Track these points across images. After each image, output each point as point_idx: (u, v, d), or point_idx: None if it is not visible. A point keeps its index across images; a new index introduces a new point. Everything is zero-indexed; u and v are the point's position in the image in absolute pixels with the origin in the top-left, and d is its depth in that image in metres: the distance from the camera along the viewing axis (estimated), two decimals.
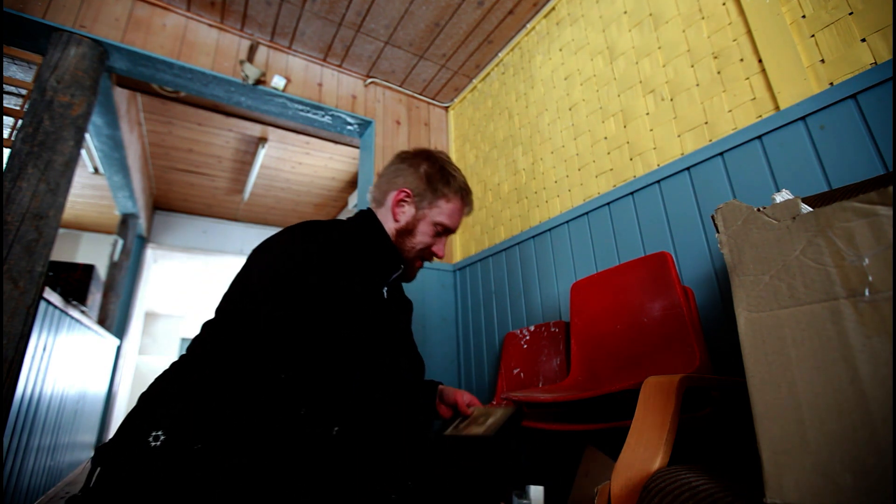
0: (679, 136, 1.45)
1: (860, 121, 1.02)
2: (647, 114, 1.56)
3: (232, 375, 0.66)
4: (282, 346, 0.66)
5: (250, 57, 2.23)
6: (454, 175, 0.97)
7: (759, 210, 0.49)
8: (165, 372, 0.72)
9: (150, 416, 0.64)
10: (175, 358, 0.79)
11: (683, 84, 1.46)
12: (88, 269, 3.23)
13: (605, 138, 1.72)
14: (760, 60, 1.25)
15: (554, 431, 1.14)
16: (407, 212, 0.94)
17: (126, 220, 3.93)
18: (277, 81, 2.26)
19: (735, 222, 0.51)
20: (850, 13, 1.07)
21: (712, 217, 0.54)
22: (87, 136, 2.76)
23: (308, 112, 2.43)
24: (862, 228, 0.41)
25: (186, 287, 7.46)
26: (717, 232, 0.53)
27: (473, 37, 2.34)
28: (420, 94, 2.82)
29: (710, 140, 1.35)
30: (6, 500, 1.63)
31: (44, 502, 2.08)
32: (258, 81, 2.20)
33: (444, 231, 0.97)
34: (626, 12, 1.71)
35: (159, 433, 0.61)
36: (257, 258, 0.77)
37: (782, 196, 0.55)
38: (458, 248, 2.58)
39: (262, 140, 3.59)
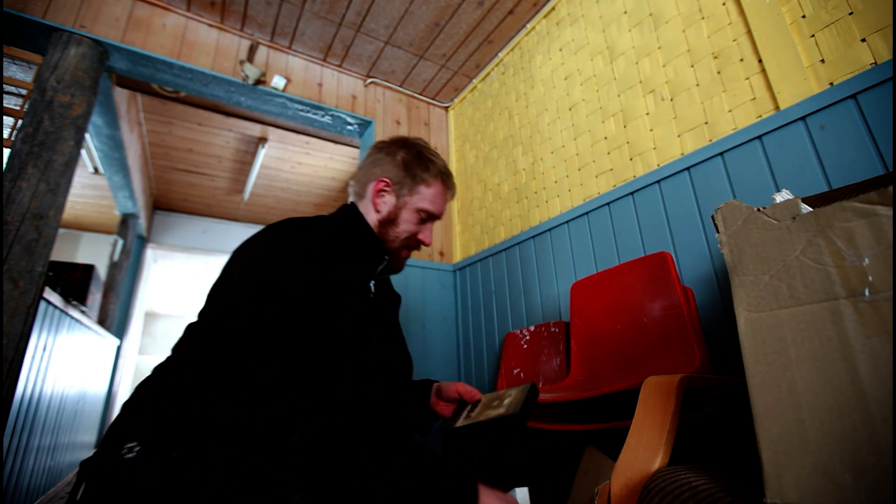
0: (679, 136, 1.45)
1: (860, 121, 1.02)
2: (647, 114, 1.56)
3: (211, 378, 0.64)
4: (264, 345, 0.64)
5: (250, 57, 2.23)
6: (432, 160, 0.95)
7: (759, 210, 0.49)
8: (147, 378, 0.70)
9: (125, 426, 0.62)
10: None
11: (683, 84, 1.46)
12: (88, 269, 3.23)
13: (605, 138, 1.72)
14: (760, 60, 1.25)
15: (554, 431, 1.14)
16: (388, 201, 0.93)
17: (126, 220, 3.93)
18: (277, 81, 2.26)
19: (735, 222, 0.51)
20: (850, 13, 1.07)
21: (712, 217, 0.54)
22: (87, 136, 2.76)
23: (308, 112, 2.43)
24: (862, 228, 0.41)
25: (186, 287, 7.46)
26: (717, 232, 0.53)
27: (473, 37, 2.34)
28: (420, 94, 2.82)
29: (710, 140, 1.35)
30: (6, 500, 1.63)
31: (44, 502, 2.08)
32: (258, 81, 2.20)
33: (429, 217, 0.95)
34: (626, 12, 1.71)
35: (133, 444, 0.59)
36: (238, 257, 0.75)
37: (782, 196, 0.55)
38: (458, 248, 2.58)
39: (262, 140, 3.59)
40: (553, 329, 1.66)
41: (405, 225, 0.92)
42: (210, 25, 2.19)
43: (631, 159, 1.60)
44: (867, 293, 0.39)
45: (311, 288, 0.69)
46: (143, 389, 0.68)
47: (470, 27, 2.27)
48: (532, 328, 1.75)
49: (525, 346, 1.73)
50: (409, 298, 2.33)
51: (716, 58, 1.37)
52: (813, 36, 1.14)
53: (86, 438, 3.12)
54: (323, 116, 2.48)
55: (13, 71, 2.37)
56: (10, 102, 2.28)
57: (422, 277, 2.41)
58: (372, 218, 0.93)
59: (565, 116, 1.94)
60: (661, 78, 1.53)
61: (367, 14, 2.18)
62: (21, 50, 1.88)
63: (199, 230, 5.01)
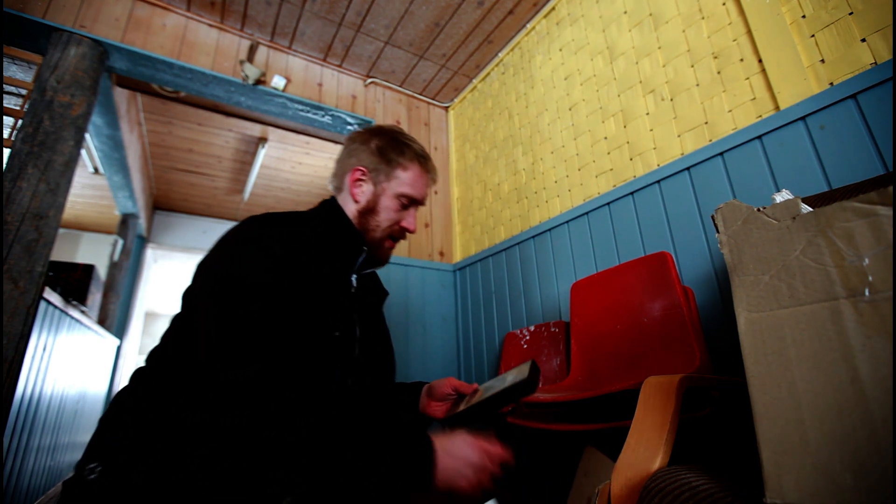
0: (679, 136, 1.45)
1: (860, 121, 1.02)
2: (647, 114, 1.56)
3: (181, 384, 0.61)
4: (231, 345, 0.61)
5: (250, 57, 2.23)
6: (408, 143, 0.92)
7: (759, 210, 0.49)
8: (124, 387, 0.68)
9: (93, 444, 0.60)
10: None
11: (683, 84, 1.46)
12: (88, 269, 3.23)
13: (605, 138, 1.72)
14: (760, 60, 1.25)
15: (554, 431, 1.14)
16: (365, 190, 0.89)
17: (126, 220, 3.93)
18: (277, 81, 2.26)
19: (735, 222, 0.51)
20: (850, 13, 1.07)
21: (712, 217, 0.54)
22: (87, 136, 2.76)
23: (308, 112, 2.43)
24: (862, 228, 0.41)
25: None
26: (717, 232, 0.53)
27: (473, 37, 2.34)
28: (420, 94, 2.82)
29: (710, 140, 1.35)
30: (6, 500, 1.63)
31: (44, 502, 2.08)
32: (258, 81, 2.20)
33: (411, 202, 0.91)
34: (626, 12, 1.71)
35: (94, 465, 0.57)
36: (210, 258, 0.72)
37: (782, 196, 0.55)
38: (458, 248, 2.58)
39: (262, 140, 3.59)
40: (553, 329, 1.66)
41: (386, 213, 0.89)
42: (210, 25, 2.19)
43: (631, 159, 1.60)
44: (867, 293, 0.39)
45: (273, 281, 0.66)
46: (119, 401, 0.65)
47: (470, 27, 2.27)
48: (532, 328, 1.75)
49: (525, 347, 1.73)
50: (409, 298, 2.33)
51: (716, 58, 1.37)
52: (813, 36, 1.14)
53: (86, 438, 3.12)
54: (323, 116, 2.48)
55: (13, 71, 2.37)
56: (10, 102, 2.28)
57: (422, 277, 2.41)
58: (351, 209, 0.89)
59: (565, 116, 1.94)
60: (661, 78, 1.53)
61: (367, 14, 2.18)
62: (21, 50, 1.88)
63: (199, 230, 5.01)
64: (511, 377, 0.79)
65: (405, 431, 0.63)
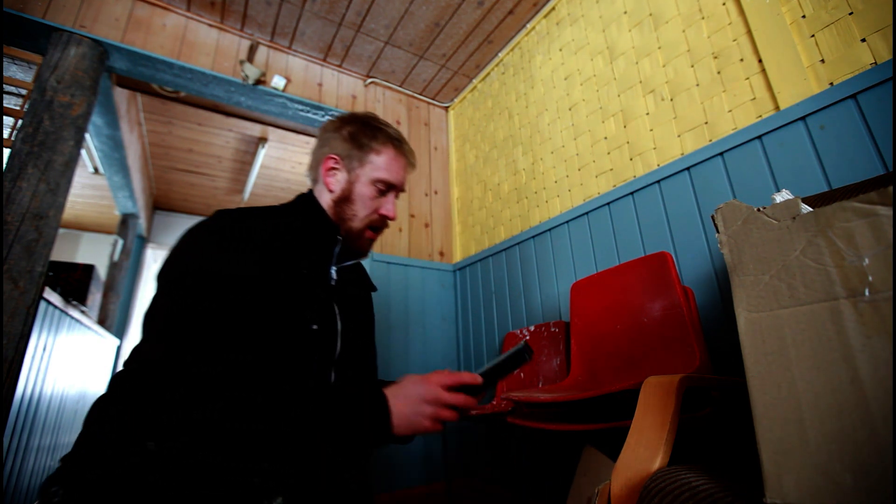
0: (679, 136, 1.45)
1: (860, 121, 1.02)
2: (647, 114, 1.56)
3: (151, 384, 0.59)
4: (204, 339, 0.59)
5: (250, 57, 2.23)
6: (381, 127, 0.89)
7: (759, 210, 0.49)
8: (99, 396, 0.65)
9: (59, 467, 0.58)
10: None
11: (683, 84, 1.46)
12: (88, 269, 3.23)
13: (605, 138, 1.72)
14: (760, 60, 1.25)
15: (553, 431, 1.14)
16: (339, 178, 0.86)
17: (126, 220, 3.93)
18: (277, 81, 2.26)
19: (735, 222, 0.51)
20: (850, 13, 1.07)
21: (712, 217, 0.54)
22: (87, 136, 2.76)
23: (308, 112, 2.43)
24: (862, 228, 0.41)
25: None
26: (717, 232, 0.53)
27: (473, 37, 2.34)
28: (420, 94, 2.82)
29: (710, 140, 1.35)
30: (6, 500, 1.63)
31: None
32: (258, 81, 2.20)
33: (388, 188, 0.87)
34: (626, 12, 1.71)
35: (56, 488, 0.54)
36: (177, 251, 0.70)
37: (782, 196, 0.55)
38: (458, 248, 2.58)
39: (262, 140, 3.59)
40: (553, 329, 1.66)
41: (362, 200, 0.85)
42: (210, 25, 2.19)
43: (631, 159, 1.60)
44: (867, 293, 0.39)
45: (242, 272, 0.65)
46: (93, 410, 0.62)
47: (470, 27, 2.27)
48: (532, 328, 1.75)
49: None
50: (409, 298, 2.33)
51: (716, 58, 1.37)
52: (813, 36, 1.14)
53: None
54: (323, 116, 2.48)
55: (13, 71, 2.37)
56: (10, 102, 2.28)
57: (422, 277, 2.41)
58: (326, 199, 0.86)
59: (565, 116, 1.94)
60: (661, 78, 1.53)
61: (367, 14, 2.18)
62: (21, 50, 1.88)
63: None
64: (500, 357, 0.78)
65: (354, 392, 0.63)
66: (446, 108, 2.93)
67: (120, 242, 3.86)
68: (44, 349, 1.83)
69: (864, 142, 1.00)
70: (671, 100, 1.49)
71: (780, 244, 0.46)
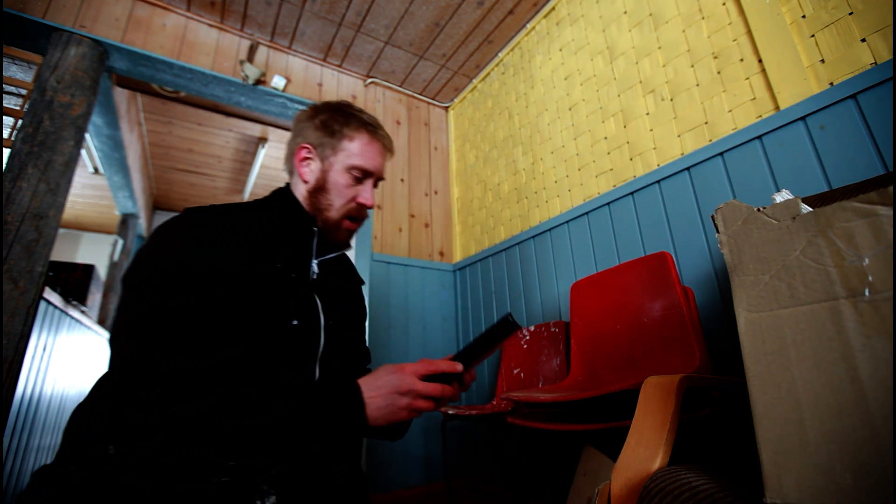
0: (679, 136, 1.45)
1: (860, 121, 1.02)
2: (647, 114, 1.56)
3: (125, 385, 0.57)
4: (175, 336, 0.59)
5: (250, 57, 2.23)
6: (354, 114, 0.86)
7: (759, 210, 0.49)
8: (82, 402, 0.64)
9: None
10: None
11: (683, 84, 1.46)
12: (88, 269, 3.23)
13: (605, 138, 1.72)
14: (760, 60, 1.25)
15: (553, 431, 1.14)
16: (313, 168, 0.84)
17: (126, 220, 3.93)
18: (277, 81, 2.26)
19: (735, 222, 0.51)
20: (850, 13, 1.07)
21: (712, 217, 0.54)
22: (87, 136, 2.76)
23: None
24: (862, 228, 0.41)
25: None
26: (717, 232, 0.53)
27: (473, 37, 2.34)
28: (420, 94, 2.82)
29: (710, 140, 1.35)
30: (6, 500, 1.63)
31: None
32: (258, 81, 2.20)
33: (364, 175, 0.84)
34: (626, 12, 1.71)
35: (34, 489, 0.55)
36: (147, 248, 0.68)
37: (782, 196, 0.55)
38: (458, 248, 2.58)
39: (262, 140, 3.59)
40: (553, 329, 1.66)
41: (337, 189, 0.82)
42: (210, 25, 2.19)
43: (631, 159, 1.60)
44: (867, 293, 0.39)
45: (213, 267, 0.64)
46: (70, 426, 0.61)
47: (470, 27, 2.27)
48: (532, 328, 1.75)
49: (525, 346, 1.73)
50: (409, 298, 2.33)
51: (716, 58, 1.37)
52: (813, 36, 1.14)
53: None
54: None
55: (13, 71, 2.37)
56: (10, 102, 2.28)
57: (422, 277, 2.41)
58: (301, 190, 0.84)
59: (565, 116, 1.94)
60: (661, 78, 1.53)
61: (367, 14, 2.18)
62: (21, 50, 1.88)
63: None
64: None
65: (327, 385, 0.62)
66: (446, 108, 2.93)
67: (120, 242, 3.87)
68: (44, 349, 1.83)
69: (864, 142, 1.00)
70: (671, 100, 1.49)
71: (780, 244, 0.46)
